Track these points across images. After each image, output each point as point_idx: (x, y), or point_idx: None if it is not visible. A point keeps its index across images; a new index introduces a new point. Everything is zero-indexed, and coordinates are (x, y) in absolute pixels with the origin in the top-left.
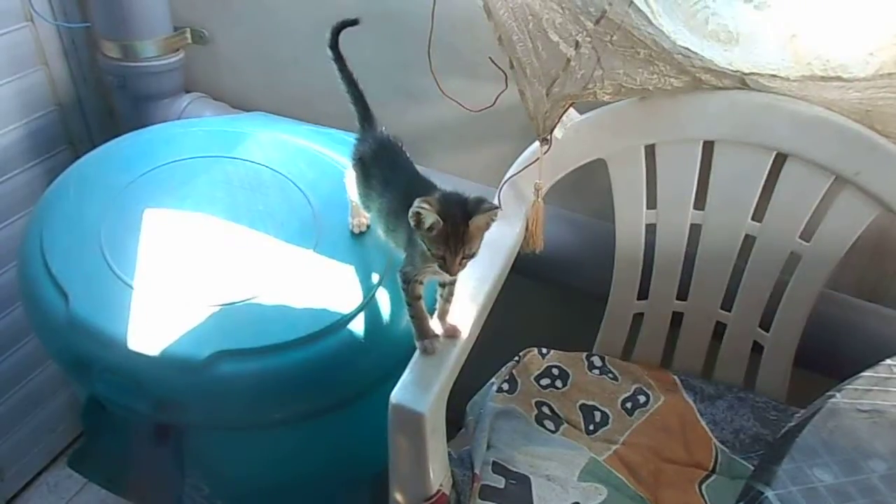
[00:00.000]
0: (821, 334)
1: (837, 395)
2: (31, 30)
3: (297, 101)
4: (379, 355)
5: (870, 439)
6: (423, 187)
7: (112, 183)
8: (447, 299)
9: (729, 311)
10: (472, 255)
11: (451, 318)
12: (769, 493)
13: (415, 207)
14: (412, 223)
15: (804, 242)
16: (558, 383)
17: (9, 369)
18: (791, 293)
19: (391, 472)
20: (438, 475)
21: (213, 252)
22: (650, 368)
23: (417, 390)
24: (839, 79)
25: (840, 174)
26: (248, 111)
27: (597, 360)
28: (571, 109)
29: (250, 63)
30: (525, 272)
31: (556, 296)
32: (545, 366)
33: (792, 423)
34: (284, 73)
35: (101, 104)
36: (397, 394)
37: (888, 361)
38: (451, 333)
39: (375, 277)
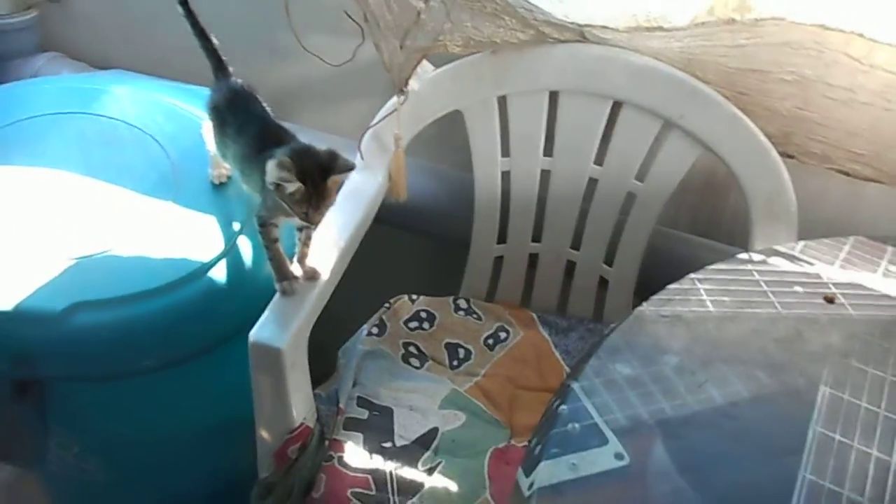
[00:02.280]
0: (658, 267)
1: (644, 304)
2: None
3: (157, 60)
4: (242, 301)
5: (667, 339)
6: (275, 133)
7: None
8: (305, 242)
9: (577, 250)
10: (330, 205)
11: (311, 261)
12: (574, 385)
13: (274, 178)
14: (272, 189)
15: (639, 183)
16: (425, 325)
17: None
18: (629, 230)
19: (255, 410)
20: (301, 410)
21: (68, 207)
22: (511, 308)
23: (275, 328)
24: (661, 29)
25: (667, 119)
26: (107, 70)
27: (462, 303)
28: (425, 62)
29: (109, 21)
30: (394, 222)
31: (425, 244)
32: (414, 310)
33: (606, 332)
34: (144, 30)
35: None
36: (255, 332)
37: (692, 275)
38: (311, 275)
39: (236, 226)
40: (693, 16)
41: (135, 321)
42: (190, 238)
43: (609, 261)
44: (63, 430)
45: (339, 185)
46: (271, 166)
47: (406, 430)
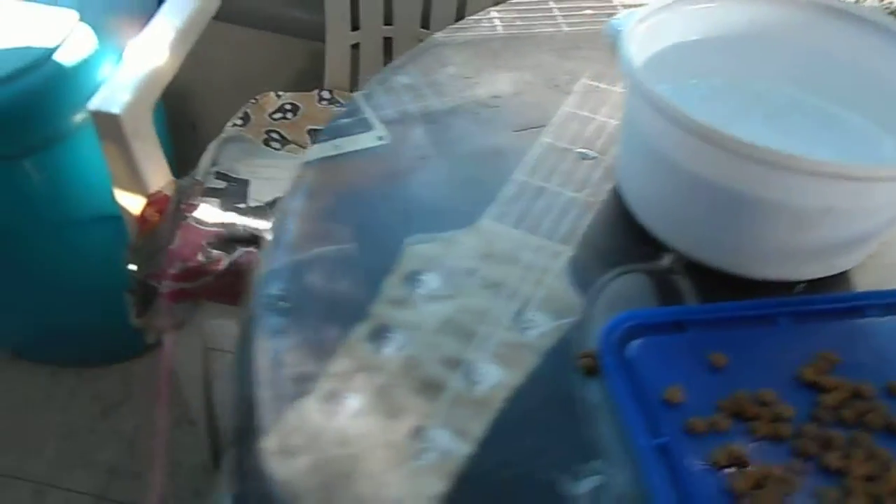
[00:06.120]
0: None
1: (438, 33)
2: None
3: None
4: (88, 86)
5: (451, 55)
6: None
7: None
8: None
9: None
10: None
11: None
12: (356, 93)
13: None
14: None
15: None
16: (289, 115)
17: None
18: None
19: (111, 180)
20: (155, 179)
21: None
22: None
23: (114, 94)
24: None
25: None
26: None
27: (326, 94)
28: None
29: None
30: (251, 23)
31: (289, 43)
32: (280, 104)
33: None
34: None
35: None
36: (94, 101)
37: (491, 8)
38: None
39: (74, 15)
40: None
41: None
42: (29, 29)
43: None
44: None
45: None
46: None
47: (261, 194)
